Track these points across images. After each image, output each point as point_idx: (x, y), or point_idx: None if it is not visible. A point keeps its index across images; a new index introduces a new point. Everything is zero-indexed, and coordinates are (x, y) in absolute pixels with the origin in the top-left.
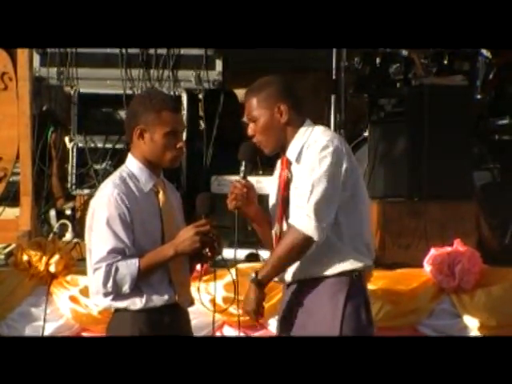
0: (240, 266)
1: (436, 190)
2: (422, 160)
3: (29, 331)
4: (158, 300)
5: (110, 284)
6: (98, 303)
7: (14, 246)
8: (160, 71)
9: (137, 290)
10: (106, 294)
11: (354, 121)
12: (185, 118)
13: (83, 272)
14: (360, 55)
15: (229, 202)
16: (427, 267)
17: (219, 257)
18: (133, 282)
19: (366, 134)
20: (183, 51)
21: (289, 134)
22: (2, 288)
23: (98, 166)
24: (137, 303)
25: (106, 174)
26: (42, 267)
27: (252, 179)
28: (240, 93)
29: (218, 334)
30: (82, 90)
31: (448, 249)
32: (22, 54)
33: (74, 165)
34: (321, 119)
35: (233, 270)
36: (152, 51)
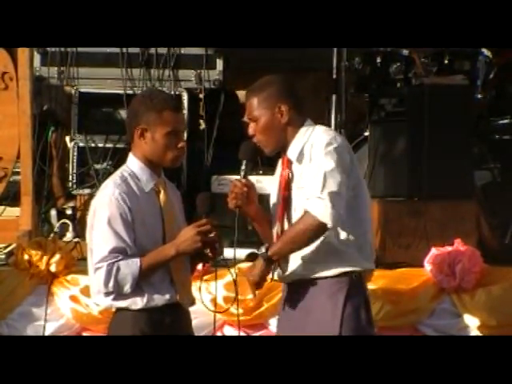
0: (240, 265)
1: (436, 190)
2: (422, 160)
3: (29, 331)
4: (160, 299)
5: (111, 283)
6: (99, 303)
7: (14, 245)
8: (160, 71)
9: (138, 289)
10: (107, 294)
11: (354, 120)
12: (185, 117)
13: (84, 271)
14: (360, 55)
15: (229, 201)
16: (427, 267)
17: (220, 257)
18: (134, 281)
19: (367, 133)
20: (184, 51)
21: (289, 134)
22: (2, 288)
23: (98, 166)
24: (138, 303)
25: (107, 173)
26: (42, 267)
27: (252, 178)
28: (241, 93)
29: (218, 333)
30: (82, 90)
31: (448, 248)
32: (23, 53)
33: (75, 164)
34: (321, 119)
35: (233, 270)
36: (152, 51)
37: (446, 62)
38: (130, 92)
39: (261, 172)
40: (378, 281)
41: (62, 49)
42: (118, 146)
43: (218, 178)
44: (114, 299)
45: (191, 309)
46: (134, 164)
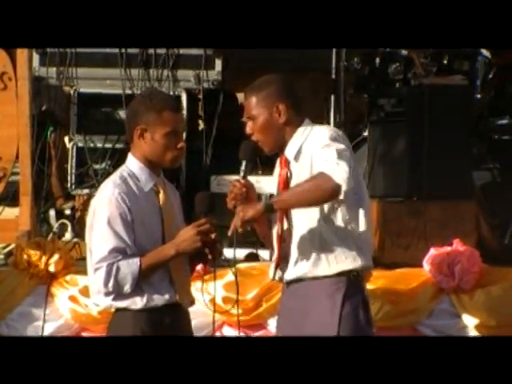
0: (240, 265)
1: (436, 190)
2: (421, 160)
3: (28, 331)
4: (159, 299)
5: (111, 283)
6: (98, 303)
7: (13, 245)
8: (159, 71)
9: (138, 289)
10: (107, 294)
11: (353, 121)
12: (184, 117)
13: (83, 272)
14: (359, 55)
15: (228, 201)
16: (427, 267)
17: (221, 257)
18: (134, 281)
19: (366, 133)
20: (183, 51)
21: (287, 134)
22: (2, 288)
23: (97, 166)
24: (138, 303)
25: (106, 173)
26: (41, 267)
27: (252, 179)
28: (240, 94)
29: (217, 334)
30: (81, 90)
31: (447, 248)
32: (22, 53)
33: (74, 164)
34: (320, 119)
35: (233, 270)
36: (151, 51)
37: (446, 62)
38: (129, 92)
39: (260, 172)
40: (377, 281)
41: (61, 49)
42: (116, 146)
43: (217, 178)
44: (114, 299)
45: (191, 309)
46: (133, 164)
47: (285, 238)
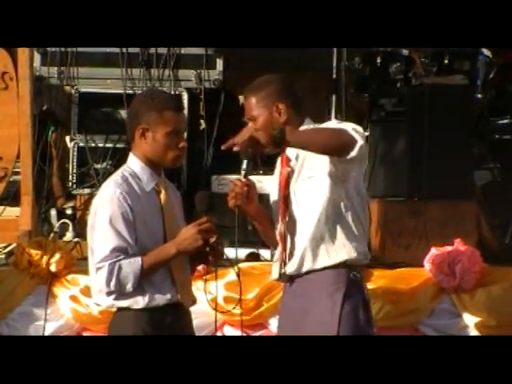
0: (240, 265)
1: (436, 190)
2: (422, 160)
3: (29, 331)
4: (161, 299)
5: (113, 283)
6: (100, 302)
7: (14, 245)
8: (160, 70)
9: (139, 289)
10: (109, 293)
11: (354, 120)
12: (185, 117)
13: (84, 271)
14: (360, 55)
15: (229, 200)
16: (427, 267)
17: (224, 256)
18: (136, 280)
19: (367, 133)
20: (184, 50)
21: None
22: (2, 288)
23: (98, 166)
24: (139, 302)
25: (107, 173)
26: (42, 267)
27: (253, 178)
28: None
29: (218, 333)
30: (82, 90)
31: (448, 248)
32: (23, 53)
33: (75, 164)
34: (321, 119)
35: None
36: (152, 50)
37: (446, 61)
38: (130, 92)
39: (261, 172)
40: (377, 281)
41: (62, 49)
42: (118, 145)
43: (217, 178)
44: (116, 299)
45: (192, 309)
46: (134, 164)
47: (286, 234)
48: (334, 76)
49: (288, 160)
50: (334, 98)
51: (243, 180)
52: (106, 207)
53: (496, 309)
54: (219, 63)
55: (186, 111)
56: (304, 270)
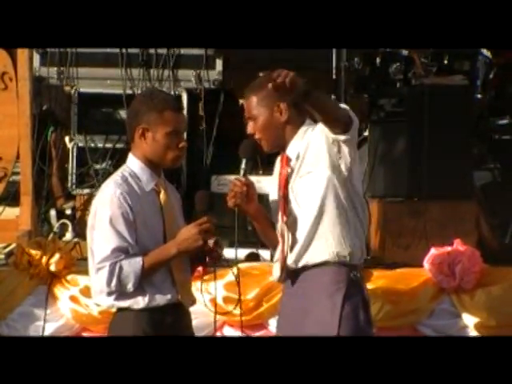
0: (240, 265)
1: (436, 190)
2: (421, 160)
3: (29, 331)
4: (161, 299)
5: (113, 283)
6: (100, 302)
7: (14, 245)
8: (160, 71)
9: (140, 289)
10: (109, 293)
11: None
12: (185, 117)
13: (84, 272)
14: (360, 55)
15: (228, 199)
16: (427, 267)
17: (222, 257)
18: (137, 280)
19: (366, 133)
20: (183, 51)
21: (288, 133)
22: (2, 288)
23: (98, 166)
24: (140, 302)
25: (106, 173)
26: (42, 267)
27: (252, 179)
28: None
29: (218, 334)
30: (82, 90)
31: (448, 248)
32: (22, 53)
33: (74, 164)
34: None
35: (234, 269)
36: (152, 51)
37: (446, 62)
38: (130, 92)
39: (260, 172)
40: (377, 281)
41: (62, 49)
42: (117, 146)
43: (217, 178)
44: (116, 299)
45: (191, 309)
46: (134, 164)
47: (286, 233)
48: (334, 76)
49: (288, 160)
50: (333, 98)
51: (243, 179)
52: (106, 207)
53: (496, 309)
54: (219, 63)
55: (185, 111)
56: (303, 263)
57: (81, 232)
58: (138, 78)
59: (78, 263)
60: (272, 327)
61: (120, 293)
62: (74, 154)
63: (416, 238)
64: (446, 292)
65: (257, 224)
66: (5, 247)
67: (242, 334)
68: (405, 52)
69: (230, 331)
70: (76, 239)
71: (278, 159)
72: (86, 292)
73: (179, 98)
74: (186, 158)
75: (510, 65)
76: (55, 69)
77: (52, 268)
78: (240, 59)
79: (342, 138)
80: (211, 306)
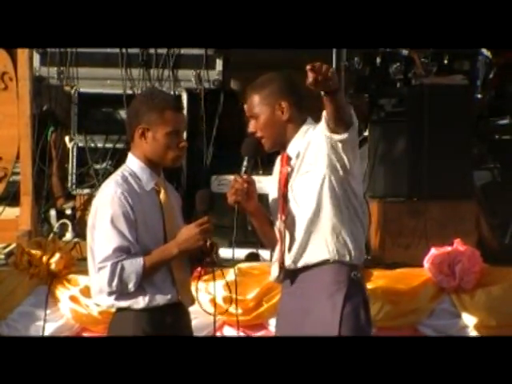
0: (240, 265)
1: (436, 190)
2: (422, 160)
3: (29, 331)
4: (161, 299)
5: (115, 283)
6: (100, 302)
7: (14, 245)
8: (160, 71)
9: (140, 289)
10: (110, 293)
11: None
12: (185, 117)
13: (84, 272)
14: (360, 55)
15: (229, 196)
16: (427, 267)
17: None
18: (138, 280)
19: (366, 133)
20: (183, 51)
21: (289, 132)
22: (2, 288)
23: (98, 166)
24: (140, 302)
25: (107, 173)
26: (42, 267)
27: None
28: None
29: (218, 334)
30: (82, 90)
31: (448, 248)
32: (22, 53)
33: (74, 164)
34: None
35: (232, 270)
36: (152, 51)
37: (446, 62)
38: (130, 92)
39: (261, 172)
40: (377, 281)
41: (62, 49)
42: (117, 146)
43: (217, 178)
44: (117, 299)
45: (191, 309)
46: (133, 163)
47: (285, 232)
48: None
49: (289, 159)
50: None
51: (244, 176)
52: (107, 207)
53: (496, 309)
54: (219, 63)
55: (185, 111)
56: (302, 263)
57: (81, 232)
58: (138, 78)
59: (77, 263)
60: (272, 327)
61: (120, 293)
62: (74, 154)
63: (416, 237)
64: (446, 292)
65: (256, 222)
66: (5, 247)
67: (238, 333)
68: (405, 52)
69: (230, 331)
70: (76, 239)
71: (278, 158)
72: (85, 292)
73: (179, 97)
74: (186, 158)
75: (510, 65)
76: (55, 69)
77: (52, 268)
78: (240, 59)
79: (340, 137)
80: (210, 306)
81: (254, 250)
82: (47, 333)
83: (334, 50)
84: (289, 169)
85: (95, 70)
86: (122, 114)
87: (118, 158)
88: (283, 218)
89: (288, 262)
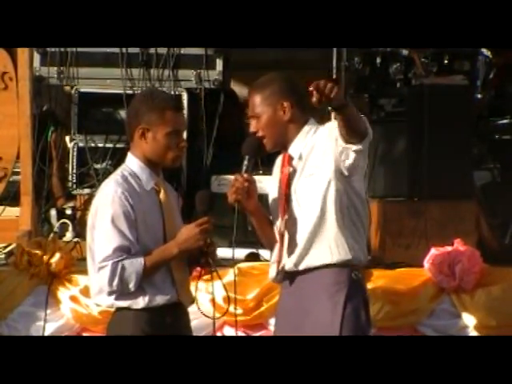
0: (240, 265)
1: (436, 190)
2: (422, 160)
3: (29, 331)
4: (161, 299)
5: (115, 282)
6: (100, 302)
7: (14, 245)
8: (160, 71)
9: (140, 289)
10: (110, 293)
11: None
12: (185, 117)
13: (84, 272)
14: (360, 55)
15: (229, 195)
16: (427, 267)
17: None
18: (138, 280)
19: None
20: (183, 51)
21: (291, 132)
22: (2, 288)
23: (98, 166)
24: (139, 302)
25: (107, 173)
26: (42, 267)
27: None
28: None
29: (218, 334)
30: (82, 90)
31: (448, 248)
32: (23, 53)
33: (75, 164)
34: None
35: (231, 270)
36: (152, 51)
37: (446, 62)
38: (130, 92)
39: (261, 172)
40: (377, 281)
41: (62, 49)
42: (117, 145)
43: (217, 178)
44: (117, 298)
45: (191, 309)
46: (133, 163)
47: (285, 232)
48: (334, 76)
49: (290, 159)
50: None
51: (245, 175)
52: (107, 206)
53: (496, 309)
54: (219, 63)
55: (185, 111)
56: (303, 266)
57: (81, 232)
58: (138, 78)
59: (77, 263)
60: (272, 327)
61: (121, 292)
62: (74, 154)
63: (416, 237)
64: (446, 292)
65: (256, 222)
66: (5, 247)
67: (237, 333)
68: (405, 52)
69: (230, 331)
70: (76, 239)
71: (278, 158)
72: (86, 292)
73: (179, 97)
74: (186, 158)
75: (510, 65)
76: (55, 69)
77: (52, 268)
78: (240, 59)
79: (355, 148)
80: (210, 306)
81: (254, 250)
82: (47, 333)
83: (335, 50)
84: (291, 169)
85: (95, 70)
86: (122, 113)
87: (118, 158)
88: (284, 217)
89: (289, 264)
